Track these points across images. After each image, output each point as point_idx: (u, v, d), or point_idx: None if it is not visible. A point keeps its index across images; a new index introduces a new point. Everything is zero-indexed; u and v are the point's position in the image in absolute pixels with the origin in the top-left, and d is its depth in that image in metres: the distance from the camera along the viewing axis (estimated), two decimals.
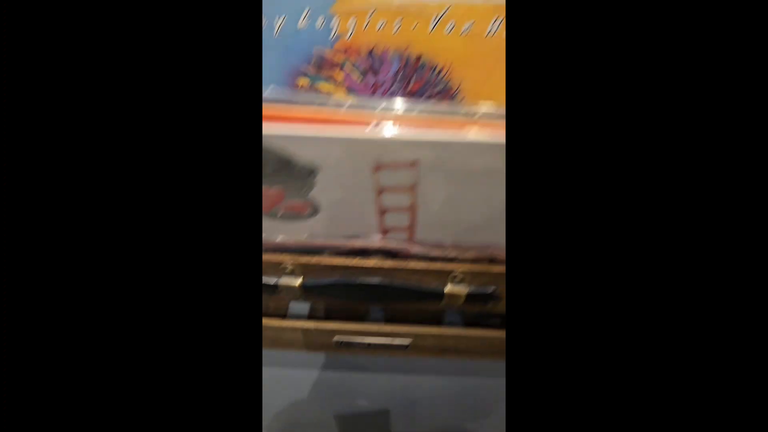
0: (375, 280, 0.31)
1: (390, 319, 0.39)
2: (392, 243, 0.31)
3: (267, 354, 0.38)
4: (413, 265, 0.31)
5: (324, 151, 0.24)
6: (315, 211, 0.28)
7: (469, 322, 0.39)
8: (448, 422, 0.41)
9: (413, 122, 0.25)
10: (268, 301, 0.37)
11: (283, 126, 0.23)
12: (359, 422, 0.40)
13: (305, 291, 0.32)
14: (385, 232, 0.30)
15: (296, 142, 0.23)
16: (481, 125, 0.24)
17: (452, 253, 0.31)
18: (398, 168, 0.25)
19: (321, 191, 0.26)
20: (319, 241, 0.31)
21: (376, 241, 0.31)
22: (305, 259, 0.31)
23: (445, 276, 0.31)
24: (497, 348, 0.36)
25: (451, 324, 0.39)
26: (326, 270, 0.31)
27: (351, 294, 0.32)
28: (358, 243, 0.31)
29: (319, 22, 0.30)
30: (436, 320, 0.38)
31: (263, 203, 0.28)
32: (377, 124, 0.24)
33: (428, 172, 0.25)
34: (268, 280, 0.31)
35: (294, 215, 0.29)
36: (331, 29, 0.30)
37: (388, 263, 0.31)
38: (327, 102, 0.25)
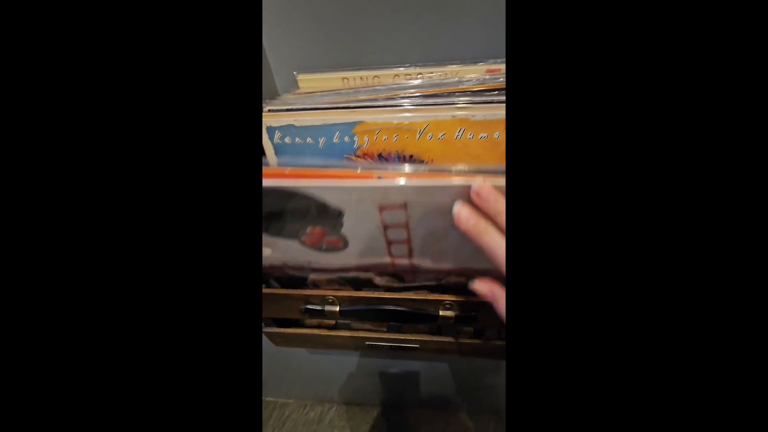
0: (389, 306, 0.47)
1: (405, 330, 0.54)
2: (399, 268, 0.45)
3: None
4: (415, 295, 0.46)
5: (345, 196, 0.36)
6: (346, 244, 0.43)
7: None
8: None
9: (406, 176, 0.35)
10: (321, 319, 0.54)
11: (319, 181, 0.35)
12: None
13: (342, 314, 0.48)
14: (392, 257, 0.44)
15: (327, 191, 0.35)
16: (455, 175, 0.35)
17: (443, 272, 0.45)
18: (395, 209, 0.36)
19: (348, 229, 0.40)
20: (350, 265, 0.46)
21: (388, 265, 0.45)
22: (341, 293, 0.46)
23: (439, 304, 0.46)
24: (473, 349, 0.51)
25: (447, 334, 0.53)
26: (355, 299, 0.47)
27: (373, 316, 0.48)
28: (375, 265, 0.46)
29: (346, 139, 0.46)
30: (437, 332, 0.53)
31: (312, 239, 0.43)
32: (379, 178, 0.36)
33: (414, 211, 0.36)
34: (317, 306, 0.48)
35: (332, 248, 0.44)
36: (354, 142, 0.46)
37: (399, 295, 0.46)
38: (347, 165, 0.37)
